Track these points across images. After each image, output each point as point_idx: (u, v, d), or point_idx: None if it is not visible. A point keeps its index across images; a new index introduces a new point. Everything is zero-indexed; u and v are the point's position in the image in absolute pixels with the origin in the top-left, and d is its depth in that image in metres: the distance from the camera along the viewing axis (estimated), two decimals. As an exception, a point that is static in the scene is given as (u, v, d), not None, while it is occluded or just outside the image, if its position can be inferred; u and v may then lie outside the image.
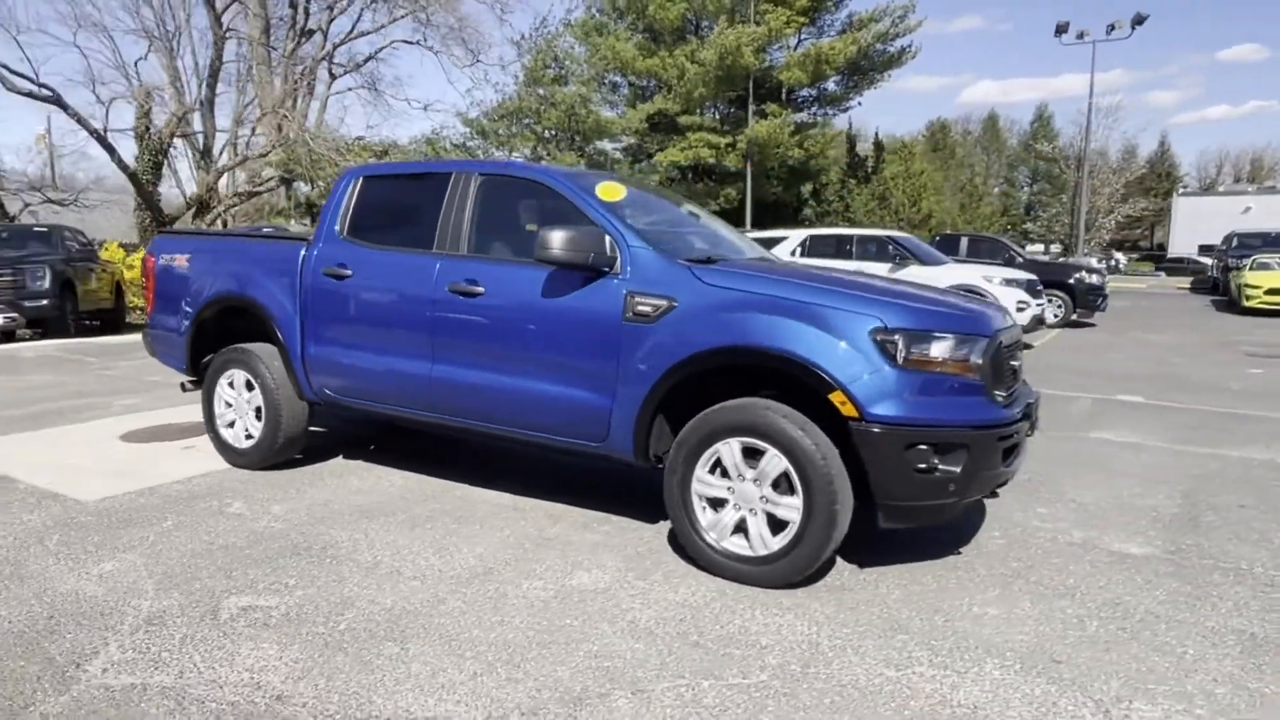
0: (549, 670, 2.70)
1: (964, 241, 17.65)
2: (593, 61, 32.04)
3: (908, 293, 3.63)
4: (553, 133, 31.03)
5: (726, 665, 2.75)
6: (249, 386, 4.88)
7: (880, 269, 12.81)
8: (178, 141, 22.42)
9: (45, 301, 11.52)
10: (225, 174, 22.84)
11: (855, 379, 3.13)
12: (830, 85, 35.92)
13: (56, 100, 18.20)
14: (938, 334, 3.21)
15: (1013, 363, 3.60)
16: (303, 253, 4.64)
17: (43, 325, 11.80)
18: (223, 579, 3.38)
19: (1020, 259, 16.80)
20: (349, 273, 4.44)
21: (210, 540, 3.80)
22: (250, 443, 4.92)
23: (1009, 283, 12.08)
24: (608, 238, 3.67)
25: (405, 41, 26.88)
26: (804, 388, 3.27)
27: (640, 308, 3.56)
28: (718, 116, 33.76)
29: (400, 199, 4.61)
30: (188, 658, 2.74)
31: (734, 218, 31.95)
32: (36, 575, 3.39)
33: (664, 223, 4.51)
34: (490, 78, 44.37)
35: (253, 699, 2.50)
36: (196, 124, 22.84)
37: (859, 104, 37.95)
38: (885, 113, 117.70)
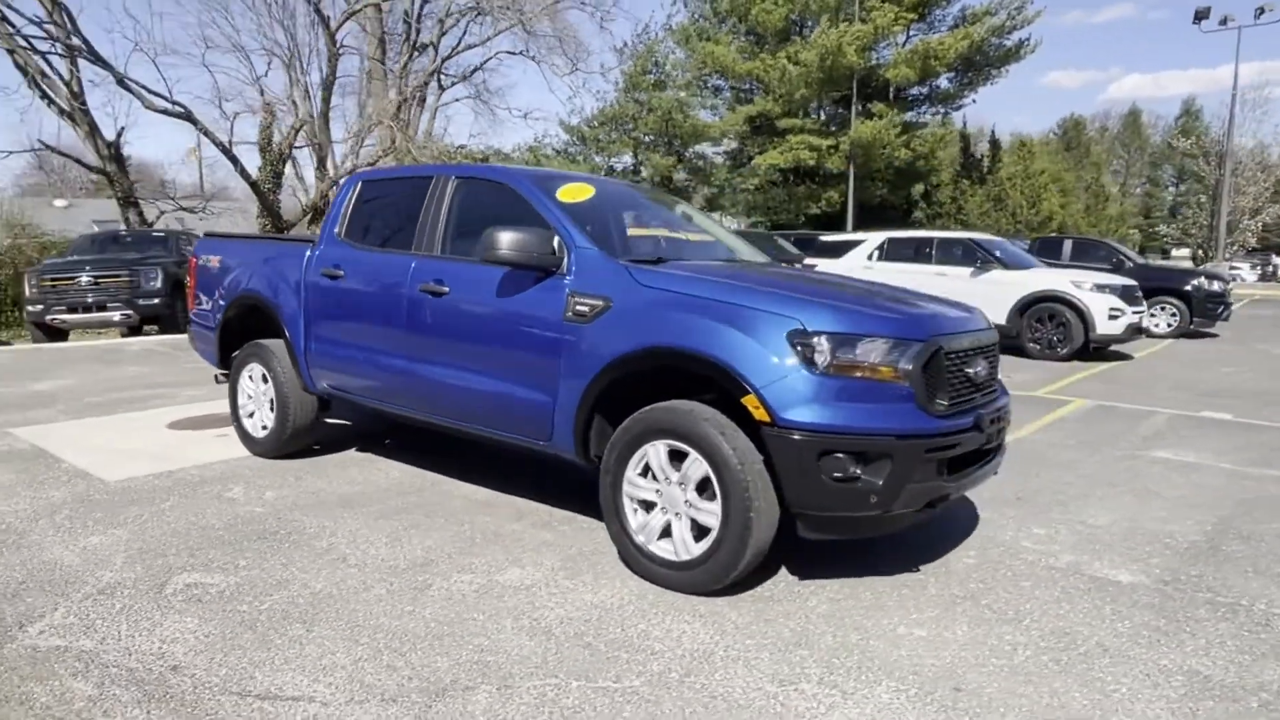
0: (430, 661, 2.75)
1: (1067, 245, 16.55)
2: (692, 66, 32.08)
3: (841, 294, 3.49)
4: (650, 138, 31.28)
5: (606, 668, 2.73)
6: (264, 380, 5.20)
7: (962, 273, 12.27)
8: (300, 151, 23.98)
9: (157, 300, 12.59)
10: (337, 183, 24.25)
11: (769, 383, 3.03)
12: (942, 83, 34.53)
13: (188, 116, 19.85)
14: (861, 337, 3.07)
15: (970, 369, 3.38)
16: (306, 254, 4.91)
17: (157, 322, 12.91)
18: (185, 556, 3.62)
19: (1130, 263, 15.63)
20: (342, 273, 4.67)
21: (194, 521, 4.08)
22: (265, 432, 5.24)
23: (1101, 288, 11.26)
24: (556, 238, 3.71)
25: (509, 53, 27.74)
26: (725, 391, 3.19)
27: (579, 307, 3.58)
28: (820, 118, 33.07)
29: (392, 202, 4.80)
30: (117, 626, 2.96)
31: (836, 222, 31.24)
32: (32, 545, 3.74)
33: (636, 223, 4.50)
34: (591, 85, 45.46)
35: (150, 667, 2.68)
36: (315, 135, 24.33)
37: (973, 101, 36.30)
38: (1018, 110, 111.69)
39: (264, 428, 5.26)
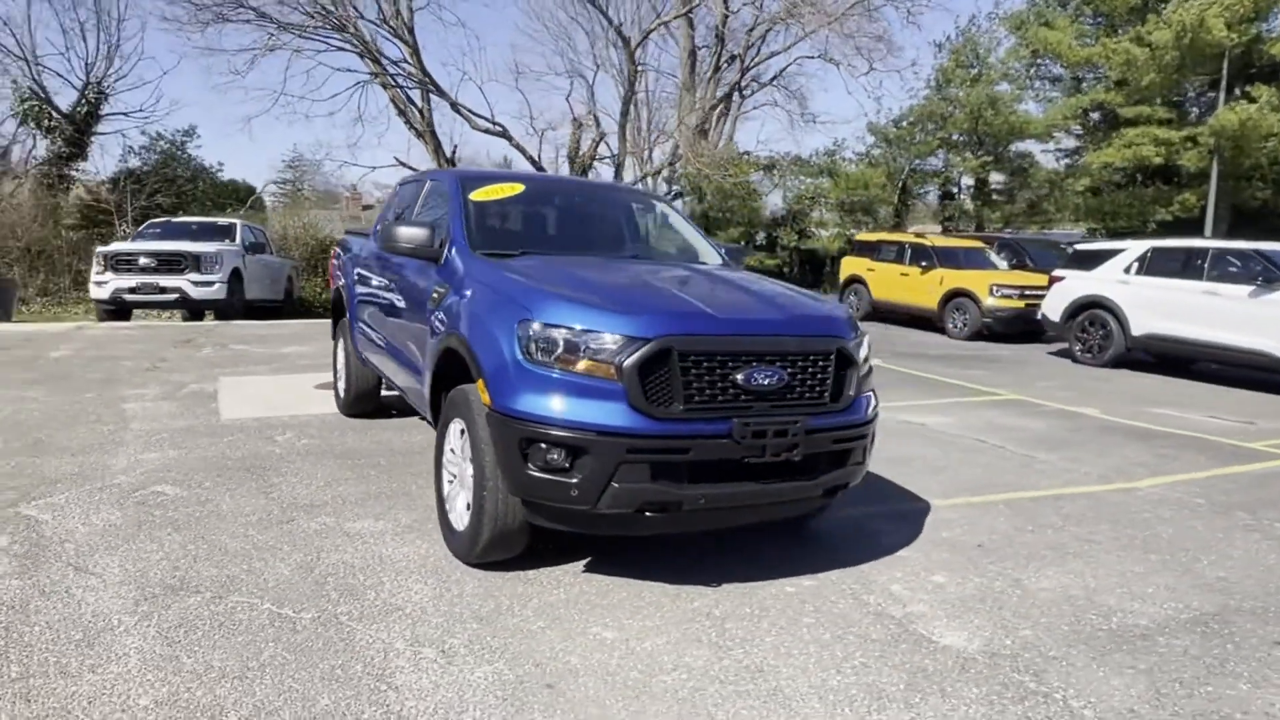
0: (210, 562, 3.40)
1: None
2: (1019, 54, 28.98)
3: (604, 288, 3.43)
4: (961, 136, 28.97)
5: (313, 601, 3.14)
6: (341, 350, 6.31)
7: (1238, 292, 10.00)
8: (600, 162, 26.48)
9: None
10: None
11: (493, 369, 3.18)
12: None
13: (504, 134, 23.12)
14: (575, 330, 3.07)
15: (738, 375, 3.13)
16: (355, 245, 5.88)
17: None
18: (183, 474, 4.71)
19: None
20: (366, 263, 5.55)
21: (223, 453, 5.21)
22: (343, 395, 6.35)
23: None
24: (437, 231, 4.13)
25: (808, 57, 27.66)
26: None
27: (434, 294, 3.98)
28: (1172, 107, 27.84)
29: (408, 201, 5.56)
30: (70, 511, 4.05)
31: (1194, 230, 26.17)
32: (118, 451, 5.12)
33: (551, 220, 4.71)
34: (891, 84, 42.67)
35: (41, 534, 3.69)
36: (615, 146, 26.67)
37: None
38: None
39: (343, 391, 6.37)
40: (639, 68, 25.02)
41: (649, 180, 28.44)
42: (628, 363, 3.00)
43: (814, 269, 28.15)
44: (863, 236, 18.36)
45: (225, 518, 4.02)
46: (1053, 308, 12.14)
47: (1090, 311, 11.55)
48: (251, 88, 51.85)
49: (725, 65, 29.44)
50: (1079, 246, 12.95)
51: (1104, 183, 29.19)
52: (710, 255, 4.80)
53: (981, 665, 2.89)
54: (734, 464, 3.12)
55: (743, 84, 29.32)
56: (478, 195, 4.46)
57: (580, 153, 25.59)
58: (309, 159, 41.02)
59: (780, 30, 27.28)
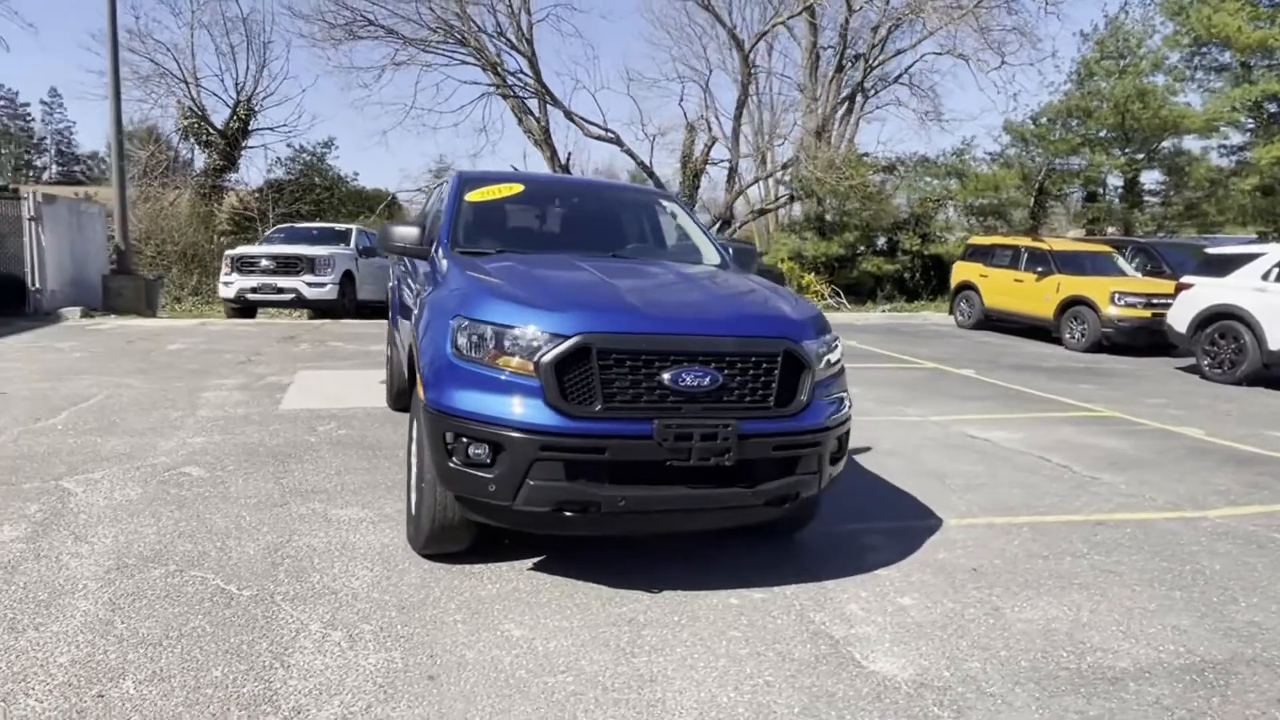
0: (207, 533, 3.65)
1: None
2: (1177, 40, 26.44)
3: (537, 285, 3.40)
4: (1106, 133, 26.78)
5: (268, 577, 3.31)
6: (386, 346, 6.60)
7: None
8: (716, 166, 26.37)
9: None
10: (743, 194, 26.08)
11: (426, 364, 3.24)
12: None
13: (616, 141, 23.47)
14: (496, 327, 3.07)
15: (665, 374, 3.03)
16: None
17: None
18: (213, 457, 5.08)
19: None
20: (399, 263, 5.79)
21: (262, 440, 5.57)
22: (386, 389, 6.65)
23: None
24: (427, 231, 4.26)
25: (934, 53, 26.48)
26: None
27: (419, 288, 4.10)
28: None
29: (433, 201, 5.73)
30: (100, 486, 4.45)
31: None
32: (162, 434, 5.58)
33: (545, 220, 4.71)
34: (1043, 77, 39.44)
35: (66, 505, 4.06)
36: (726, 151, 26.48)
37: None
38: None
39: (387, 386, 6.66)
40: (753, 70, 24.76)
41: (763, 184, 28.08)
42: (544, 360, 2.98)
43: (939, 275, 26.81)
44: (976, 240, 17.34)
45: (228, 499, 4.29)
46: (1179, 318, 11.01)
47: (1221, 323, 10.38)
48: (386, 102, 55.30)
49: (849, 65, 28.66)
50: (1209, 250, 11.67)
51: (1277, 181, 26.21)
52: (710, 255, 4.68)
53: (900, 696, 2.66)
54: (658, 466, 3.03)
55: (866, 84, 28.39)
56: (475, 195, 4.55)
57: (693, 157, 25.59)
58: (452, 167, 43.37)
59: (907, 27, 26.27)
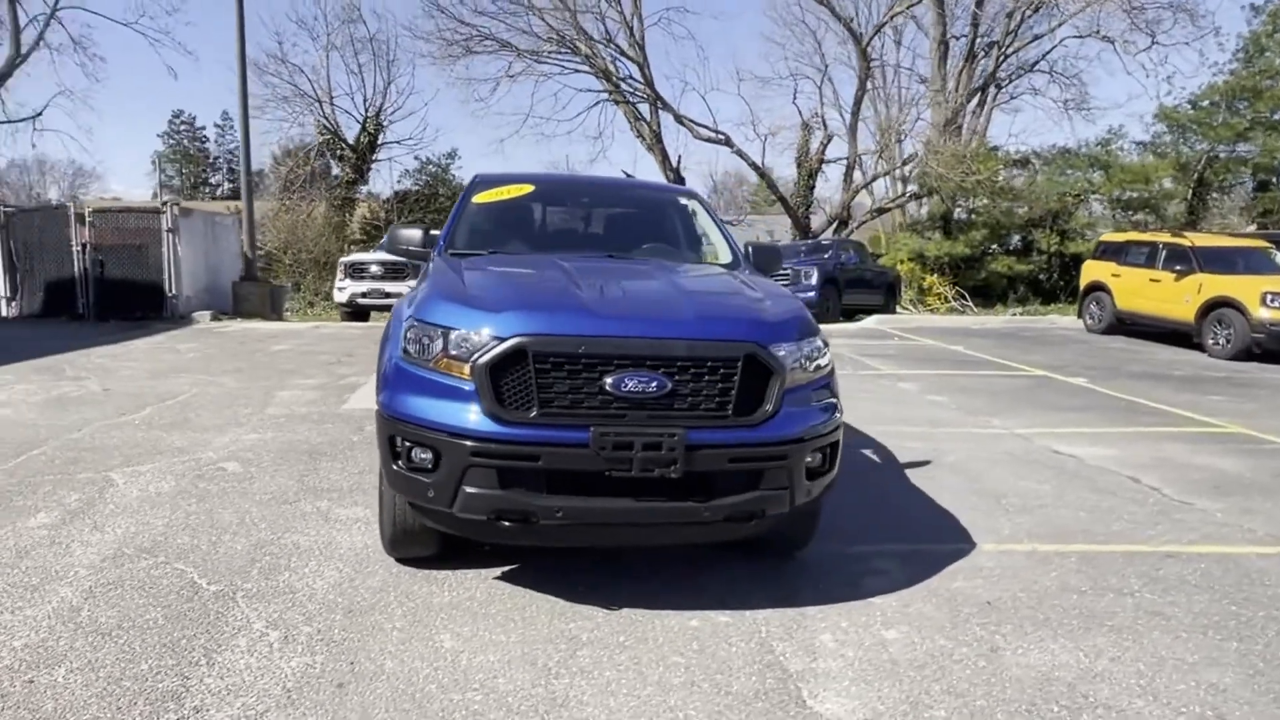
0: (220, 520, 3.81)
1: None
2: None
3: (499, 285, 3.31)
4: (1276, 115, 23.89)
5: (245, 570, 3.40)
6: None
7: None
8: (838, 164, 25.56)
9: (813, 295, 15.11)
10: (858, 192, 25.10)
11: (382, 367, 3.21)
12: None
13: (727, 142, 23.18)
14: (443, 330, 2.99)
15: (608, 379, 2.85)
16: None
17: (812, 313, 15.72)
18: (255, 454, 5.31)
19: None
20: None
21: (307, 438, 5.78)
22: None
23: None
24: (430, 233, 4.26)
25: (1076, 36, 24.57)
26: None
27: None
28: None
29: None
30: (141, 479, 4.73)
31: None
32: (222, 430, 5.90)
33: (548, 220, 4.58)
34: (1205, 58, 34.86)
35: (103, 495, 4.34)
36: (844, 149, 25.58)
37: None
38: None
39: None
40: (871, 64, 23.82)
41: (885, 182, 26.93)
42: (479, 363, 2.87)
43: (1078, 275, 24.78)
44: (1108, 237, 15.85)
45: (246, 495, 4.45)
46: (1342, 321, 9.62)
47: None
48: (505, 112, 57.33)
49: (981, 54, 27.06)
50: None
51: None
52: (723, 255, 4.43)
53: (830, 743, 2.36)
54: (599, 477, 2.85)
55: (999, 73, 26.69)
56: (482, 197, 4.52)
57: (808, 155, 24.93)
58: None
59: (1045, 11, 24.47)
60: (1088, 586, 3.56)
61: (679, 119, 22.99)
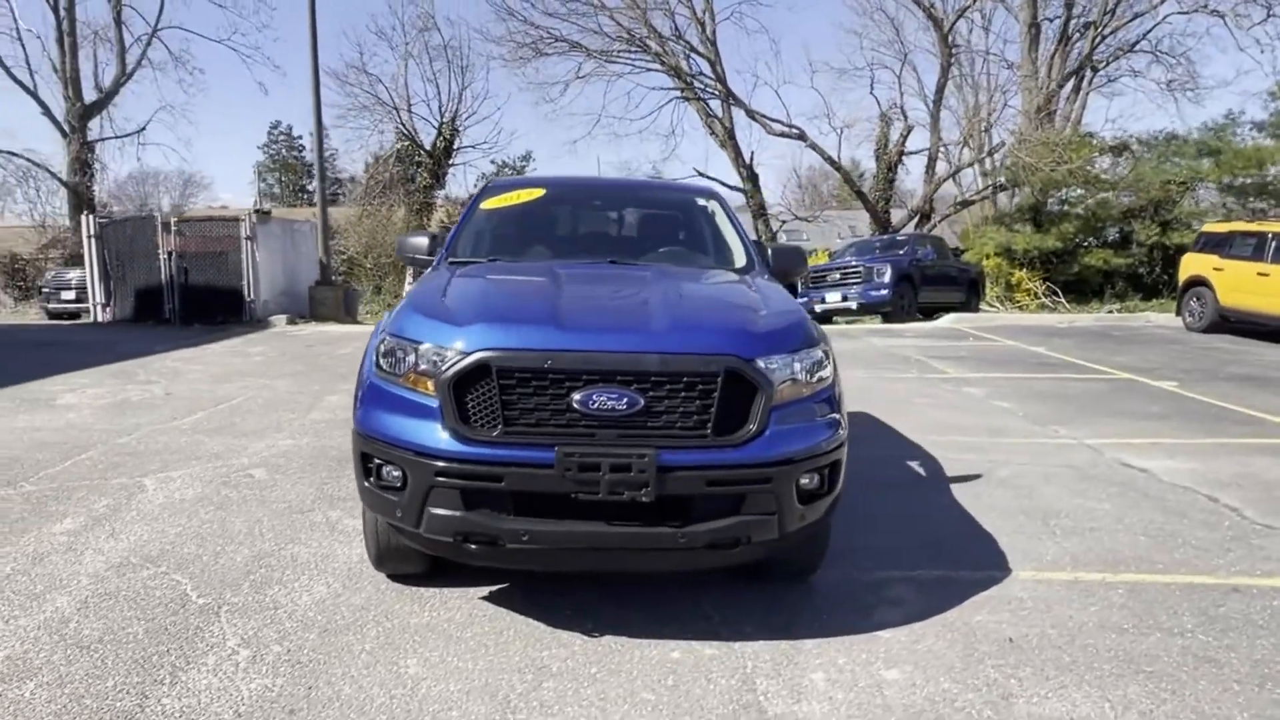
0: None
1: None
2: None
3: (479, 297, 3.18)
4: None
5: (240, 586, 3.40)
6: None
7: None
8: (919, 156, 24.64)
9: (885, 293, 15.20)
10: (941, 185, 24.09)
11: (359, 382, 3.13)
12: None
13: (801, 136, 22.63)
14: (411, 344, 2.89)
15: (576, 395, 2.69)
16: None
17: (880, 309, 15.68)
18: (284, 460, 5.38)
19: None
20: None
21: (339, 444, 5.81)
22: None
23: None
24: (438, 240, 4.20)
25: (1181, 13, 22.96)
26: None
27: (420, 298, 4.04)
28: None
29: None
30: (170, 485, 4.84)
31: None
32: (262, 436, 6.01)
33: (555, 225, 4.42)
34: None
35: (128, 502, 4.45)
36: (926, 140, 24.62)
37: None
38: None
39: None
40: (954, 51, 22.82)
41: (971, 173, 25.78)
42: (443, 378, 2.76)
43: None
44: (1211, 227, 14.65)
45: (263, 503, 4.49)
46: None
47: None
48: (577, 113, 57.63)
49: (1075, 35, 25.62)
50: None
51: None
52: (738, 258, 4.20)
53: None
54: (567, 500, 2.70)
55: (1095, 55, 25.19)
56: (491, 202, 4.43)
57: (888, 148, 24.13)
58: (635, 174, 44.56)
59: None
60: (1131, 624, 3.19)
61: (751, 114, 22.59)
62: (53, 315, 17.47)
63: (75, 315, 16.73)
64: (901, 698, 2.66)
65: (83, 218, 16.48)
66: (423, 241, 4.17)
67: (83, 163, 24.47)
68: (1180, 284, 14.14)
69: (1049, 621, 3.20)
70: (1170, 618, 3.24)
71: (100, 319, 14.88)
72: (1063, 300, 20.94)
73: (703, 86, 22.97)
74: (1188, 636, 3.09)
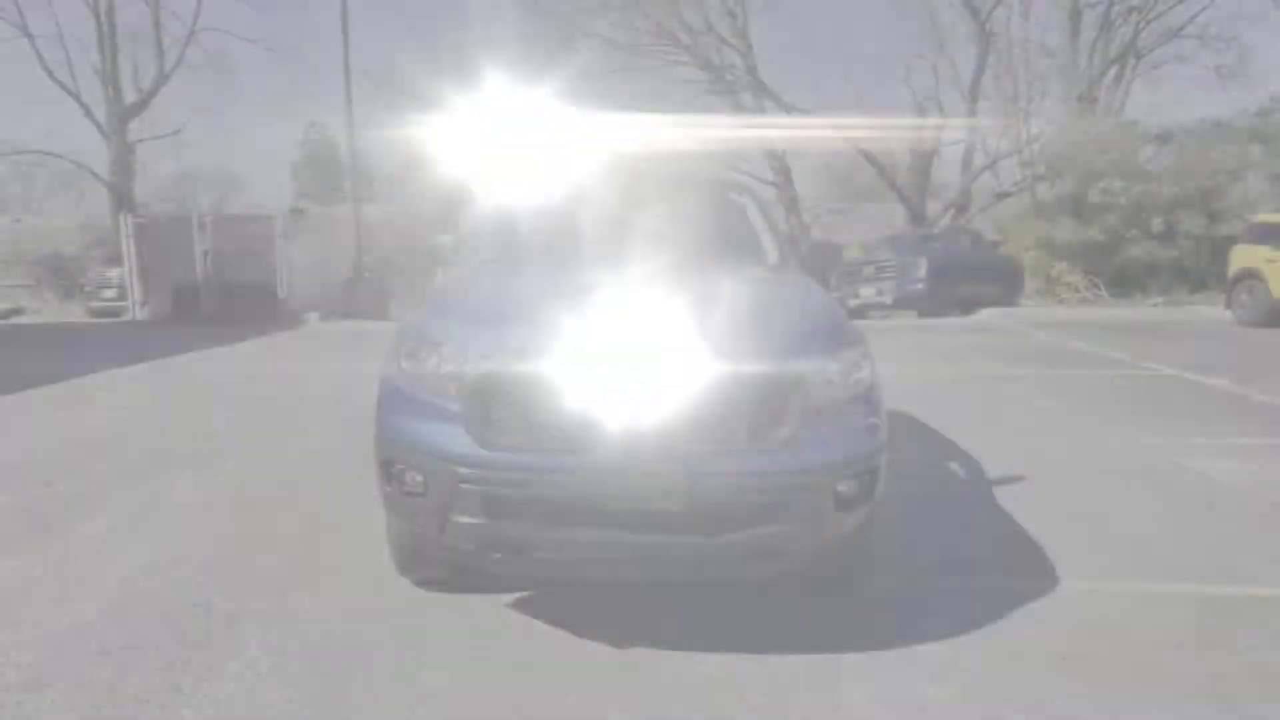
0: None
1: None
2: None
3: (493, 299, 3.13)
4: None
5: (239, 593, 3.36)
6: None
7: None
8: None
9: (921, 287, 15.09)
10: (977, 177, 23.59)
11: (379, 385, 3.07)
12: None
13: (834, 128, 22.26)
14: (431, 345, 2.81)
15: (604, 400, 2.58)
16: None
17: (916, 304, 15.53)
18: (315, 462, 5.35)
19: None
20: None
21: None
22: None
23: None
24: (454, 237, 4.14)
25: (1230, -6, 22.17)
26: None
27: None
28: None
29: None
30: (201, 485, 4.83)
31: None
32: (296, 435, 6.00)
33: (579, 223, 4.31)
34: None
35: (155, 500, 4.44)
36: (961, 132, 24.10)
37: None
38: None
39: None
40: (991, 40, 22.31)
41: (1010, 164, 25.21)
42: (465, 382, 2.67)
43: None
44: (1264, 217, 14.14)
45: (294, 506, 4.46)
46: None
47: None
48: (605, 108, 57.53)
49: (1119, 21, 24.89)
50: None
51: None
52: (770, 255, 4.06)
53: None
54: (593, 507, 2.60)
55: (1138, 41, 24.48)
56: (515, 201, 4.33)
57: (922, 139, 23.69)
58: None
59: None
60: (1190, 639, 3.01)
61: (783, 106, 22.31)
62: (94, 313, 17.84)
63: (116, 313, 17.05)
64: (945, 718, 2.52)
65: (121, 217, 16.77)
66: (447, 240, 4.10)
67: (123, 163, 24.94)
68: (1230, 276, 13.67)
69: (1101, 637, 3.03)
70: (1236, 635, 3.06)
71: (139, 317, 15.14)
72: (1105, 293, 20.40)
73: (734, 79, 22.74)
74: (1253, 654, 2.91)
